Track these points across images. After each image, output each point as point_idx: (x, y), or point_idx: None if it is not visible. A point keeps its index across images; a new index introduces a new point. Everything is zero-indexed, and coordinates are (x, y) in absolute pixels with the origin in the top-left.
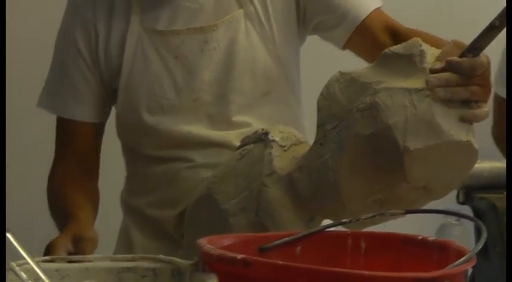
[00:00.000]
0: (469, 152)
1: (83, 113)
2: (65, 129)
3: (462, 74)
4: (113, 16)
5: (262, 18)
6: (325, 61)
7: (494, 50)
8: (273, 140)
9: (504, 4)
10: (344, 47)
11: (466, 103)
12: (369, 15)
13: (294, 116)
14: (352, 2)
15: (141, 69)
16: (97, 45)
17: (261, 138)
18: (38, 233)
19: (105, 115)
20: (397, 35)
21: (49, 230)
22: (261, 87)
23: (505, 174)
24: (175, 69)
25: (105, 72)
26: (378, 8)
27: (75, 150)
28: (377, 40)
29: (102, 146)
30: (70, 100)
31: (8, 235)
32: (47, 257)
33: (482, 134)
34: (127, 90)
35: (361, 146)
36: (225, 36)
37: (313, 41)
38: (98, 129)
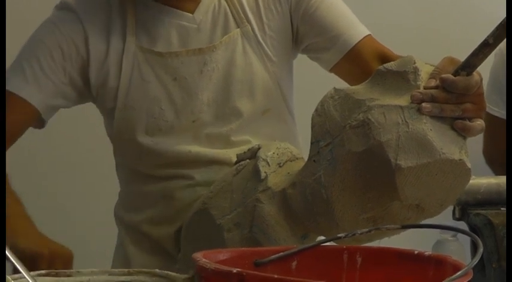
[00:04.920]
0: (462, 171)
1: (36, 97)
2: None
3: (456, 93)
4: (110, 35)
5: (259, 37)
6: (319, 77)
7: (483, 68)
8: (261, 157)
9: (497, 23)
10: (331, 70)
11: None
12: (360, 41)
13: (290, 132)
14: (345, 26)
15: (138, 91)
16: (88, 63)
17: (256, 154)
18: None
19: (48, 116)
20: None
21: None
22: (261, 105)
23: (501, 190)
24: (173, 91)
25: (94, 83)
26: (370, 35)
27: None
28: (367, 67)
29: (97, 159)
30: (31, 82)
31: (6, 250)
32: (42, 271)
33: (478, 150)
34: (124, 111)
35: (353, 163)
36: (223, 56)
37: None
38: (32, 122)
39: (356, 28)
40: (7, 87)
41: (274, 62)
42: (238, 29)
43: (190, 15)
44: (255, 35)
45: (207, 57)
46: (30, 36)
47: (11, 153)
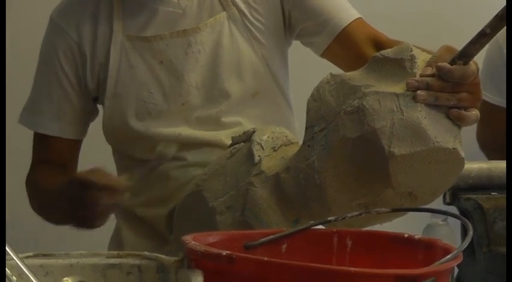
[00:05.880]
0: (456, 160)
1: (63, 129)
2: (43, 145)
3: (453, 82)
4: (98, 27)
5: (246, 20)
6: (316, 63)
7: (477, 57)
8: (256, 141)
9: (495, 12)
10: (323, 55)
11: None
12: (350, 23)
13: (284, 117)
14: (336, 10)
15: (127, 78)
16: (84, 64)
17: (251, 138)
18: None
19: (84, 133)
20: (383, 46)
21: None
22: (250, 87)
23: (492, 174)
24: (161, 74)
25: (91, 86)
26: (360, 18)
27: (53, 163)
28: (358, 50)
29: (93, 148)
30: (51, 118)
31: None
32: (30, 253)
33: (471, 135)
34: (114, 99)
35: (347, 149)
36: (209, 38)
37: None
38: (75, 146)
39: (346, 11)
40: (38, 130)
41: (263, 44)
42: (224, 12)
43: (176, 1)
44: (242, 18)
45: (191, 39)
46: (36, 69)
47: (11, 151)
